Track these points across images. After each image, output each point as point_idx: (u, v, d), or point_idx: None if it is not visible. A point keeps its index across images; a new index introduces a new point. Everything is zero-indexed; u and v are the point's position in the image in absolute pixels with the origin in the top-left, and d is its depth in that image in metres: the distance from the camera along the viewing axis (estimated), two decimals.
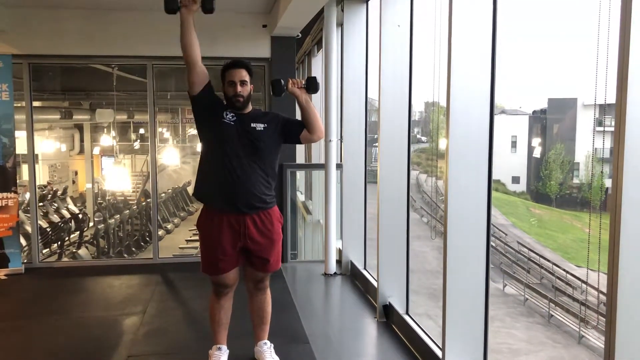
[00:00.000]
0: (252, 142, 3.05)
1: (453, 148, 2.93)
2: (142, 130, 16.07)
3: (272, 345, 3.37)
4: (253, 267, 3.20)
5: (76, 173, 16.74)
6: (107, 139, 14.78)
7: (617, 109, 1.85)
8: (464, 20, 2.87)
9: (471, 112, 2.92)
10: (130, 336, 3.94)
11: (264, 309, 3.33)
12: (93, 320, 4.34)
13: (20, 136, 5.96)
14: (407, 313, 4.05)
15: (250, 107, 3.16)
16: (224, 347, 3.32)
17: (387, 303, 4.18)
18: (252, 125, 3.08)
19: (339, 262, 5.60)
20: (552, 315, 16.03)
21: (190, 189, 15.53)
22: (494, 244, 22.58)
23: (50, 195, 12.47)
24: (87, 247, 10.43)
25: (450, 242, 2.98)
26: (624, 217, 1.84)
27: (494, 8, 2.86)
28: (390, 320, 4.14)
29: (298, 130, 3.16)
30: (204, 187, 3.17)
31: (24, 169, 7.73)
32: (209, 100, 3.11)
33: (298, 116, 3.38)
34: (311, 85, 3.11)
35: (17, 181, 5.80)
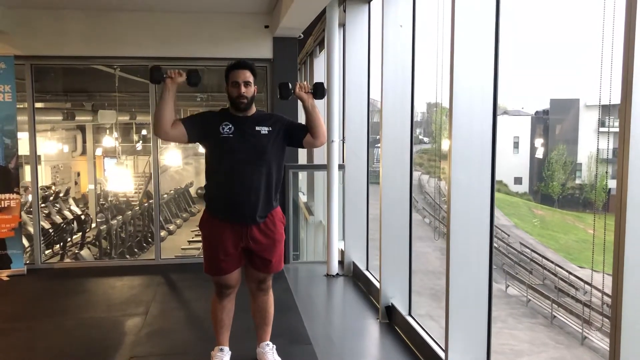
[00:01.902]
0: (256, 146, 3.04)
1: (456, 149, 2.92)
2: (144, 132, 16.07)
3: (275, 346, 3.37)
4: (255, 267, 3.20)
5: (78, 174, 16.75)
6: (110, 140, 14.77)
7: (622, 109, 1.84)
8: (466, 20, 2.86)
9: (474, 112, 2.91)
10: (133, 337, 3.93)
11: (267, 310, 3.33)
12: (95, 321, 4.34)
13: (23, 137, 5.97)
14: (409, 314, 4.04)
15: (254, 109, 3.15)
16: (226, 348, 3.32)
17: (390, 304, 4.18)
18: (257, 128, 3.07)
19: (341, 263, 5.60)
20: (554, 316, 15.98)
21: (193, 190, 15.55)
22: (496, 245, 22.53)
23: (52, 197, 12.47)
24: (89, 248, 10.43)
25: (453, 243, 2.97)
26: (629, 218, 1.83)
27: (497, 8, 2.85)
28: (392, 322, 4.13)
29: (301, 134, 3.15)
30: (212, 200, 3.17)
31: (27, 170, 7.74)
32: (199, 131, 3.11)
33: (301, 119, 3.37)
34: (318, 91, 3.11)
35: (20, 182, 5.80)
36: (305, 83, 3.11)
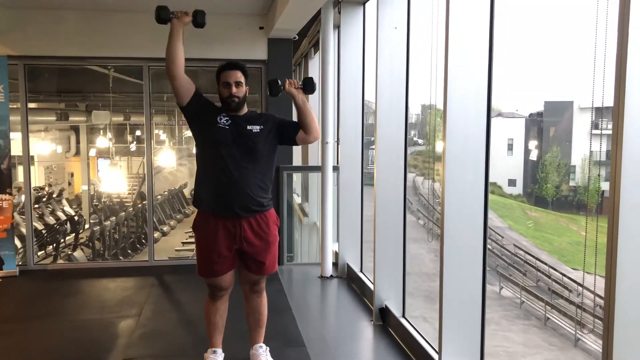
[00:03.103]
0: (248, 145, 3.04)
1: (450, 150, 2.92)
2: (138, 132, 16.02)
3: (268, 348, 3.36)
4: (248, 269, 3.19)
5: (72, 175, 16.67)
6: (103, 141, 14.72)
7: (615, 112, 1.84)
8: (461, 22, 2.87)
9: (468, 114, 2.91)
10: (126, 339, 3.91)
11: (260, 312, 3.32)
12: (88, 323, 4.31)
13: (16, 138, 5.93)
14: (403, 316, 4.04)
15: (245, 109, 3.15)
16: (220, 350, 3.30)
17: (384, 306, 4.17)
18: (248, 127, 3.07)
19: (335, 264, 5.59)
20: (548, 318, 16.03)
21: (187, 191, 15.50)
22: (490, 247, 22.57)
23: (45, 197, 12.41)
24: (82, 250, 10.38)
25: (446, 244, 2.97)
26: (622, 221, 1.83)
27: (491, 10, 2.85)
28: (386, 323, 4.13)
29: (294, 131, 3.15)
30: (202, 193, 3.16)
31: (20, 170, 7.70)
32: (200, 107, 3.09)
33: (294, 117, 3.36)
34: (308, 86, 3.11)
35: (13, 183, 5.77)
36: (294, 79, 3.11)
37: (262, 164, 3.09)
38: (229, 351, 3.35)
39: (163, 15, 3.01)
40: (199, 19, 3.05)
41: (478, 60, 2.88)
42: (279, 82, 3.11)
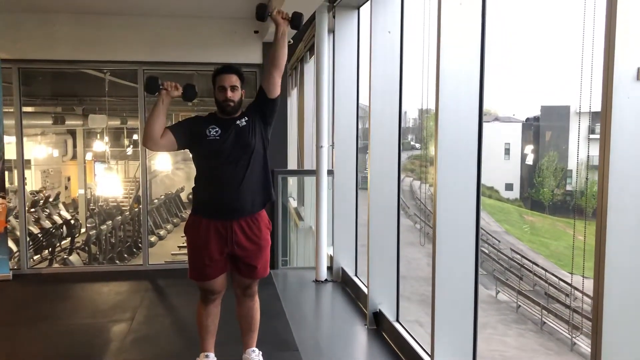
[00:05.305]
0: (240, 140, 3.05)
1: (442, 154, 2.93)
2: (135, 136, 16.01)
3: (261, 352, 3.35)
4: (240, 273, 3.18)
5: (69, 179, 16.65)
6: (100, 145, 14.72)
7: (602, 117, 1.85)
8: (452, 27, 2.87)
9: (460, 118, 2.92)
10: (118, 343, 3.90)
11: (252, 316, 3.30)
12: (80, 327, 4.30)
13: (11, 141, 5.92)
14: (397, 320, 4.03)
15: (239, 113, 3.14)
16: (212, 355, 3.29)
17: (378, 310, 4.17)
18: (237, 122, 3.08)
19: (330, 268, 5.58)
20: (544, 323, 16.02)
21: (184, 195, 15.49)
22: (487, 251, 22.58)
23: (42, 201, 12.40)
24: (78, 254, 10.36)
25: (439, 248, 2.97)
26: (610, 223, 1.84)
27: (483, 14, 2.86)
28: (380, 328, 4.12)
29: (261, 91, 3.11)
30: (203, 201, 3.16)
31: (15, 174, 7.70)
32: (187, 136, 3.09)
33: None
34: (295, 20, 3.07)
35: (7, 187, 5.75)
36: (284, 11, 3.05)
37: (256, 156, 3.07)
38: (221, 355, 3.33)
39: (152, 87, 2.98)
40: (188, 94, 3.04)
41: (470, 64, 2.88)
42: (267, 7, 3.05)
